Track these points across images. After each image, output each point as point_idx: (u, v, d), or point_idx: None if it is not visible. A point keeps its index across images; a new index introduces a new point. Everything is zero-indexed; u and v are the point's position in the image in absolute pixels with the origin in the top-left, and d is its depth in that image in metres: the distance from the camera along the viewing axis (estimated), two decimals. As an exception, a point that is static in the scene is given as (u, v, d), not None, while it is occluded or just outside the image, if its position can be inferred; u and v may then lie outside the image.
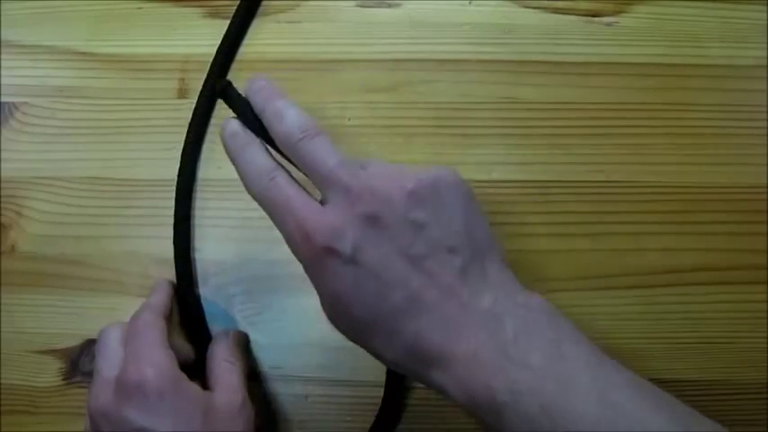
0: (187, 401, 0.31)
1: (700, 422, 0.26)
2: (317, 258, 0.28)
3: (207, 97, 0.40)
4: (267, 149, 0.31)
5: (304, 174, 0.30)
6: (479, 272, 0.28)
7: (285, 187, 0.29)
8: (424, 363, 0.27)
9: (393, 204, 0.27)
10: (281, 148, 0.31)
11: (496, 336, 0.27)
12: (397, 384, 0.37)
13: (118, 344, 0.33)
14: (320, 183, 0.29)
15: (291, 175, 0.30)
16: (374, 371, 0.38)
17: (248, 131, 0.31)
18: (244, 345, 0.37)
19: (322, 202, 0.29)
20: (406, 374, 0.33)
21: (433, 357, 0.27)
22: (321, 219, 0.28)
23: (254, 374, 0.38)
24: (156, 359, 0.31)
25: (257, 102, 0.31)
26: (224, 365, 0.34)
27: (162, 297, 0.36)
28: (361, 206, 0.28)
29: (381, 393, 0.37)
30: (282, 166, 0.30)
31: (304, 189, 0.30)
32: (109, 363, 0.32)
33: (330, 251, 0.27)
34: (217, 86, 0.33)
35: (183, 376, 0.32)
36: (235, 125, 0.31)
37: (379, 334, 0.28)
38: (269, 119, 0.30)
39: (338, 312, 0.28)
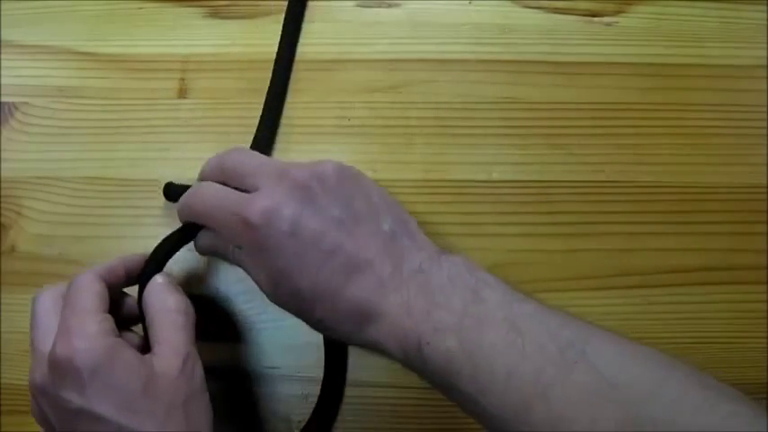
0: (124, 374, 0.28)
1: (597, 330, 0.28)
2: (260, 240, 0.29)
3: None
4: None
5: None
6: (407, 236, 0.31)
7: (213, 191, 0.32)
8: (364, 322, 0.30)
9: (321, 177, 0.31)
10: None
11: (425, 288, 0.29)
12: (338, 361, 0.37)
13: (50, 312, 0.30)
14: (250, 179, 0.31)
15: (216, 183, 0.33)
16: (374, 371, 0.38)
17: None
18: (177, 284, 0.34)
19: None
20: (347, 341, 0.33)
21: (370, 315, 0.29)
22: (257, 203, 0.30)
23: (254, 374, 0.38)
24: (87, 330, 0.28)
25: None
26: (161, 318, 0.31)
27: (112, 261, 0.32)
28: (289, 181, 0.30)
29: (381, 393, 0.37)
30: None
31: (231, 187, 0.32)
32: (42, 334, 0.29)
33: (270, 229, 0.29)
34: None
35: (119, 344, 0.29)
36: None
37: (322, 301, 0.30)
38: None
39: (283, 288, 0.30)
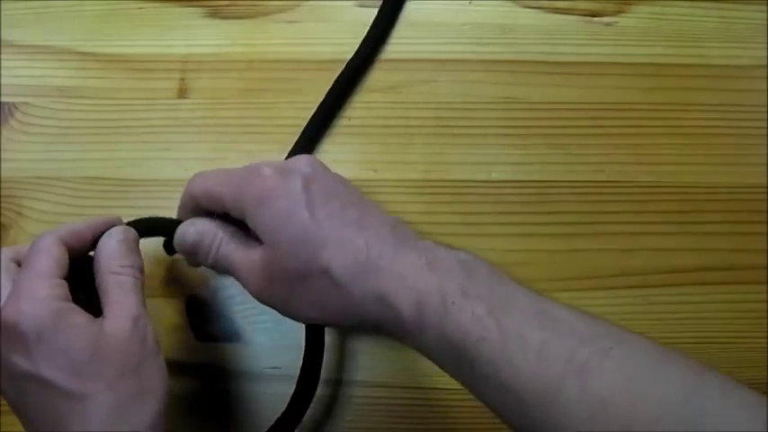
0: (71, 338, 0.27)
1: (621, 330, 0.26)
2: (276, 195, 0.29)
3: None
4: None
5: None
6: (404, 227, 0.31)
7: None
8: (375, 271, 0.28)
9: (316, 167, 0.31)
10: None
11: (444, 258, 0.28)
12: (317, 340, 0.35)
13: (5, 275, 0.29)
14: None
15: None
16: (374, 370, 0.38)
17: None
18: (134, 243, 0.32)
19: None
20: (347, 299, 0.29)
21: (383, 264, 0.28)
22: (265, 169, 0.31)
23: (254, 374, 0.38)
24: (35, 294, 0.27)
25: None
26: (110, 279, 0.29)
27: (77, 224, 0.31)
28: (295, 167, 0.30)
29: (382, 393, 0.37)
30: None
31: None
32: None
33: (288, 176, 0.30)
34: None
35: (68, 308, 0.28)
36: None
37: (330, 245, 0.28)
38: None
39: (286, 233, 0.29)
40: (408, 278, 0.27)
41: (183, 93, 0.41)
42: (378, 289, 0.28)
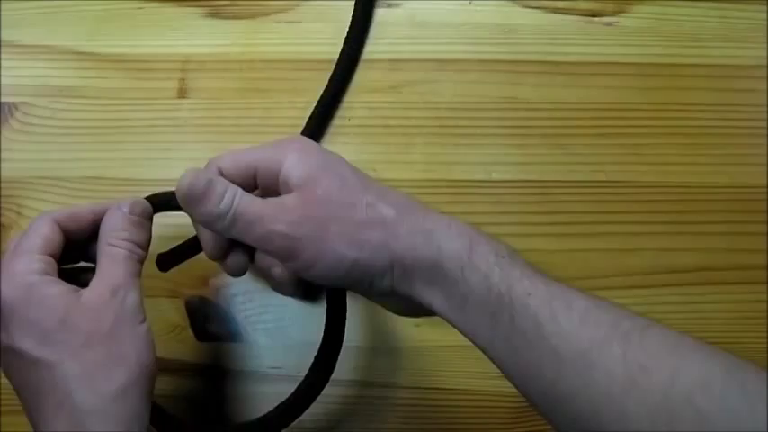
0: (41, 309, 0.28)
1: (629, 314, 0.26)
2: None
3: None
4: None
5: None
6: None
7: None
8: (424, 212, 0.30)
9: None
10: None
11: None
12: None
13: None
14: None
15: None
16: (374, 370, 0.38)
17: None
18: (141, 217, 0.32)
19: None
20: (384, 240, 0.29)
21: (432, 211, 0.30)
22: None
23: (255, 374, 0.38)
24: (12, 270, 0.29)
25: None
26: (105, 250, 0.30)
27: (79, 208, 0.32)
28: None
29: (382, 393, 0.37)
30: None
31: None
32: None
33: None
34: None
35: (43, 281, 0.28)
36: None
37: (376, 186, 0.30)
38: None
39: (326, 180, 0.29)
40: (460, 225, 0.28)
41: (183, 93, 0.41)
42: (426, 226, 0.28)
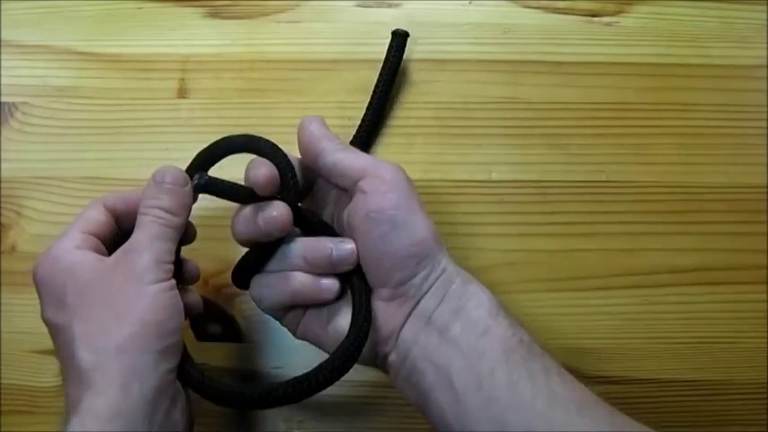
0: (64, 279, 0.30)
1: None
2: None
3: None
4: None
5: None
6: None
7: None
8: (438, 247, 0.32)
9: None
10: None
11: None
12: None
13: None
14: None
15: None
16: (374, 370, 0.38)
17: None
18: (172, 184, 0.32)
19: None
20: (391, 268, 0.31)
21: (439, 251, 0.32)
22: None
23: (256, 374, 0.38)
24: (49, 249, 0.31)
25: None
26: (137, 219, 0.31)
27: (128, 191, 0.34)
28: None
29: (383, 393, 0.37)
30: None
31: None
32: None
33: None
34: (196, 183, 0.32)
35: (72, 253, 0.30)
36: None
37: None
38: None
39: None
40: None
41: (182, 93, 0.41)
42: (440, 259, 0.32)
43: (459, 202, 0.39)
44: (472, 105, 0.41)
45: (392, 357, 0.31)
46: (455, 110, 0.41)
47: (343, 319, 0.31)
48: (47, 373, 0.38)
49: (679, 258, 0.39)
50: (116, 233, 0.33)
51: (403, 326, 0.31)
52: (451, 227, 0.39)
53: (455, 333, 0.30)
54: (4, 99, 0.41)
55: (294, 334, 0.33)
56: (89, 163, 0.40)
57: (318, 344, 0.32)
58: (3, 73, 0.42)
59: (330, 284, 0.31)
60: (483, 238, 0.39)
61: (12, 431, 0.37)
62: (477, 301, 0.31)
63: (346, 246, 0.31)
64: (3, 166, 0.40)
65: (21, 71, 0.42)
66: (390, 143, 0.41)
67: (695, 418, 0.37)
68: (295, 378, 0.29)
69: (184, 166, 0.40)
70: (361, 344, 0.30)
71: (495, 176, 0.40)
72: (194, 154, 0.40)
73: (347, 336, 0.30)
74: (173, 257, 0.31)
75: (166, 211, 0.31)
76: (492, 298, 0.31)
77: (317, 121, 0.33)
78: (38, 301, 0.36)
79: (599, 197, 0.40)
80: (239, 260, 0.32)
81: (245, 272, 0.32)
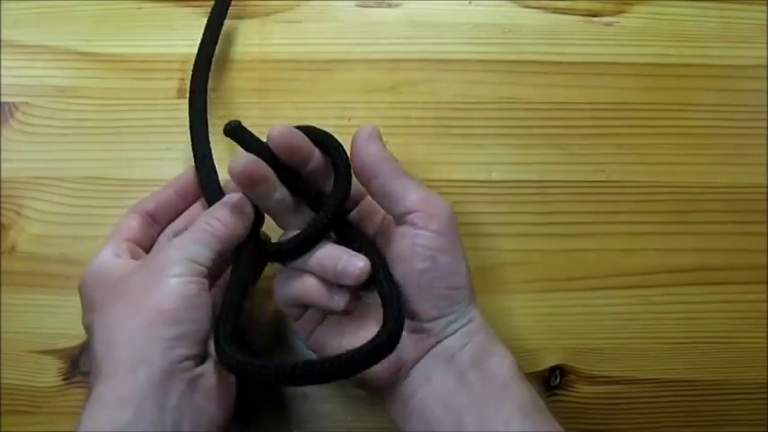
0: (96, 284, 0.31)
1: None
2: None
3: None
4: None
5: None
6: None
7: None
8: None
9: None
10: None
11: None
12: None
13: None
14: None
15: None
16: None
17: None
18: (241, 210, 0.32)
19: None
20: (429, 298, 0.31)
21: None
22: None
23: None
24: (89, 263, 0.32)
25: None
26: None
27: (156, 192, 0.35)
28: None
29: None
30: None
31: None
32: None
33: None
34: (226, 128, 0.32)
35: (106, 261, 0.32)
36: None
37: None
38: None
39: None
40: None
41: (183, 93, 0.41)
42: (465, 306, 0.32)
43: (459, 202, 0.39)
44: (472, 105, 0.41)
45: (401, 388, 0.31)
46: (455, 110, 0.41)
47: (361, 339, 0.29)
48: (47, 373, 0.38)
49: (679, 258, 0.39)
50: (158, 232, 0.35)
51: (419, 359, 0.31)
52: (451, 227, 0.39)
53: (473, 381, 0.30)
54: (4, 99, 0.41)
55: (305, 342, 0.34)
56: (89, 163, 0.40)
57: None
58: (3, 73, 0.42)
59: (340, 294, 0.31)
60: (483, 238, 0.39)
61: (12, 431, 0.37)
62: (500, 359, 0.31)
63: (356, 263, 0.31)
64: (3, 166, 0.40)
65: (21, 71, 0.42)
66: (390, 143, 0.40)
67: (695, 418, 0.37)
68: (336, 355, 0.28)
69: (185, 167, 0.40)
70: (401, 327, 0.29)
71: (495, 176, 0.40)
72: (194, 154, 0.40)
73: (384, 321, 0.30)
74: (209, 263, 0.30)
75: (217, 218, 0.32)
76: (514, 360, 0.31)
77: (376, 138, 0.33)
78: (38, 301, 0.36)
79: (599, 197, 0.40)
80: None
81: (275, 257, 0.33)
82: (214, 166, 0.35)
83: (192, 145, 0.36)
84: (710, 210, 0.39)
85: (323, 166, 0.33)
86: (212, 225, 0.31)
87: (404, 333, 0.30)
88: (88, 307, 0.31)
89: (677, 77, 0.41)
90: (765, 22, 0.42)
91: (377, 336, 0.29)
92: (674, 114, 0.41)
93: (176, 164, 0.40)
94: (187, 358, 0.28)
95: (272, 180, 0.32)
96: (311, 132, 0.33)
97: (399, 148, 0.40)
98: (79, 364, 0.38)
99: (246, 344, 0.37)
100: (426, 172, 0.40)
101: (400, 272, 0.31)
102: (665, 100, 0.41)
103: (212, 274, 0.31)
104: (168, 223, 0.35)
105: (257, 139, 0.32)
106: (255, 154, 0.31)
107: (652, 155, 0.40)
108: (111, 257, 0.32)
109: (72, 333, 0.38)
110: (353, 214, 0.34)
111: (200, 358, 0.29)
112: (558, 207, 0.39)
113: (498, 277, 0.38)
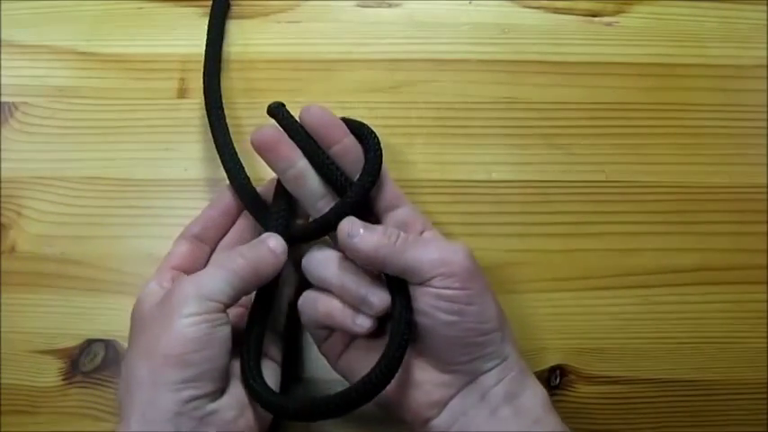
0: (131, 321, 0.32)
1: None
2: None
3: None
4: None
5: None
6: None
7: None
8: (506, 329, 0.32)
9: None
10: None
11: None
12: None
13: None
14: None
15: None
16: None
17: None
18: (273, 251, 0.32)
19: None
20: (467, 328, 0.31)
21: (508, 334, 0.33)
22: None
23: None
24: (140, 292, 0.33)
25: None
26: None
27: (198, 216, 0.36)
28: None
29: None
30: None
31: None
32: None
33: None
34: (270, 107, 0.34)
35: (147, 295, 0.32)
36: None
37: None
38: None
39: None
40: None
41: (182, 93, 0.41)
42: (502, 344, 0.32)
43: (459, 202, 0.39)
44: (472, 105, 0.41)
45: (436, 422, 0.31)
46: (455, 110, 0.41)
47: None
48: (47, 373, 0.38)
49: (679, 258, 0.39)
50: (209, 253, 0.36)
51: (454, 395, 0.31)
52: (451, 227, 0.39)
53: (505, 415, 0.30)
54: (4, 99, 0.41)
55: (334, 366, 0.34)
56: (89, 163, 0.40)
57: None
58: (3, 73, 0.42)
59: (364, 317, 0.31)
60: (483, 238, 0.39)
61: (12, 431, 0.37)
62: (533, 393, 0.31)
63: (374, 302, 0.31)
64: (3, 165, 0.40)
65: (21, 71, 0.42)
66: (390, 143, 0.40)
67: (695, 418, 0.37)
68: (339, 392, 0.30)
69: (184, 167, 0.40)
70: (402, 354, 0.30)
71: (495, 176, 0.40)
72: (194, 154, 0.40)
73: (387, 347, 0.30)
74: (227, 300, 0.30)
75: (241, 255, 0.31)
76: (546, 394, 0.31)
77: (356, 232, 0.31)
78: (38, 301, 0.36)
79: (599, 197, 0.40)
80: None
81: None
82: (247, 177, 0.35)
83: (223, 163, 0.36)
84: (710, 210, 0.39)
85: (354, 153, 0.34)
86: (236, 263, 0.31)
87: (436, 372, 0.31)
88: (129, 338, 0.32)
89: (677, 77, 0.41)
90: (765, 22, 0.42)
91: (367, 375, 0.30)
92: (674, 114, 0.41)
93: (176, 164, 0.40)
94: (197, 398, 0.29)
95: (292, 153, 0.33)
96: (345, 120, 0.34)
97: (399, 148, 0.40)
98: (79, 364, 0.38)
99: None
100: (426, 172, 0.40)
101: (428, 324, 0.31)
102: (665, 100, 0.41)
103: (233, 304, 0.31)
104: (219, 240, 0.36)
105: (294, 120, 0.34)
106: (289, 133, 0.33)
107: (652, 155, 0.40)
108: (153, 287, 0.32)
109: (72, 333, 0.38)
110: None
111: (218, 392, 0.30)
112: (558, 207, 0.39)
113: (498, 277, 0.38)
